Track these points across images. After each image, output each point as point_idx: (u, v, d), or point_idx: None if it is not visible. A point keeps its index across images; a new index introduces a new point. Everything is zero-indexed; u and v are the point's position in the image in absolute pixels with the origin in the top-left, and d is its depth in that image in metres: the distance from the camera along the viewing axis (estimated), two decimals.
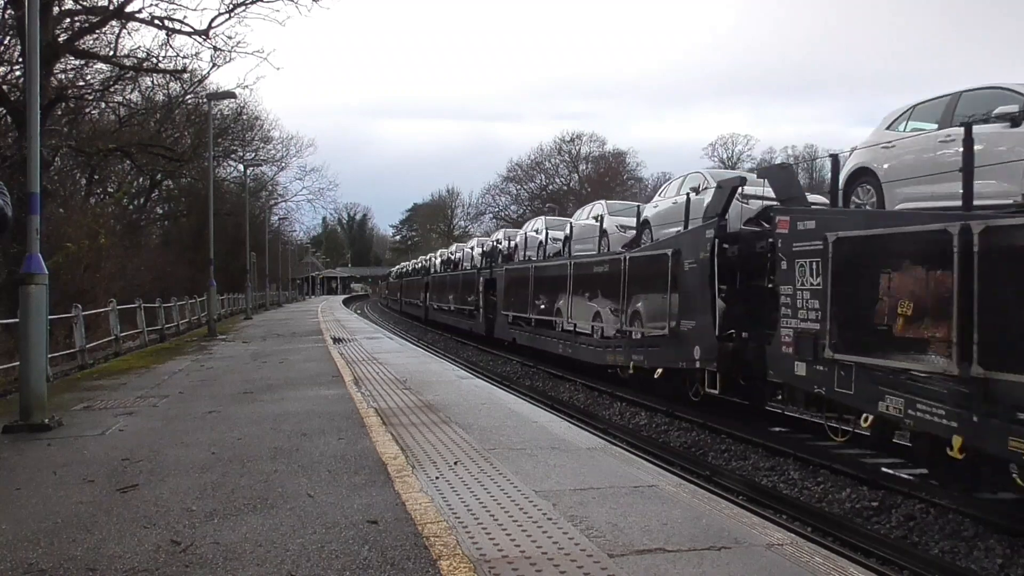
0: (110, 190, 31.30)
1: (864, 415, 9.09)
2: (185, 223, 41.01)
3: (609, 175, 74.20)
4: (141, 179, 34.99)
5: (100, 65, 24.13)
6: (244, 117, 42.62)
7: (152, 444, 6.56)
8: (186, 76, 26.52)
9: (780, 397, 11.92)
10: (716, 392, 12.54)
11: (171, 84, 28.93)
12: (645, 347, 14.59)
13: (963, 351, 7.33)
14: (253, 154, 46.19)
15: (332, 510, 4.47)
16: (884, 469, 9.33)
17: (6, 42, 20.82)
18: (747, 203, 12.65)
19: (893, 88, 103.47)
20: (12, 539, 4.07)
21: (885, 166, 9.71)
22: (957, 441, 7.45)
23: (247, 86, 54.44)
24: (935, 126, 9.24)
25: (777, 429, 11.73)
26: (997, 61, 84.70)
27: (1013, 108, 8.03)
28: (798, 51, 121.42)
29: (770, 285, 10.94)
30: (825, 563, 3.70)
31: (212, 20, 22.70)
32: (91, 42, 22.95)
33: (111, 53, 23.35)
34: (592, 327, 17.28)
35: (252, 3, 22.57)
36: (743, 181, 12.62)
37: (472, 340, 29.37)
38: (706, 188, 14.00)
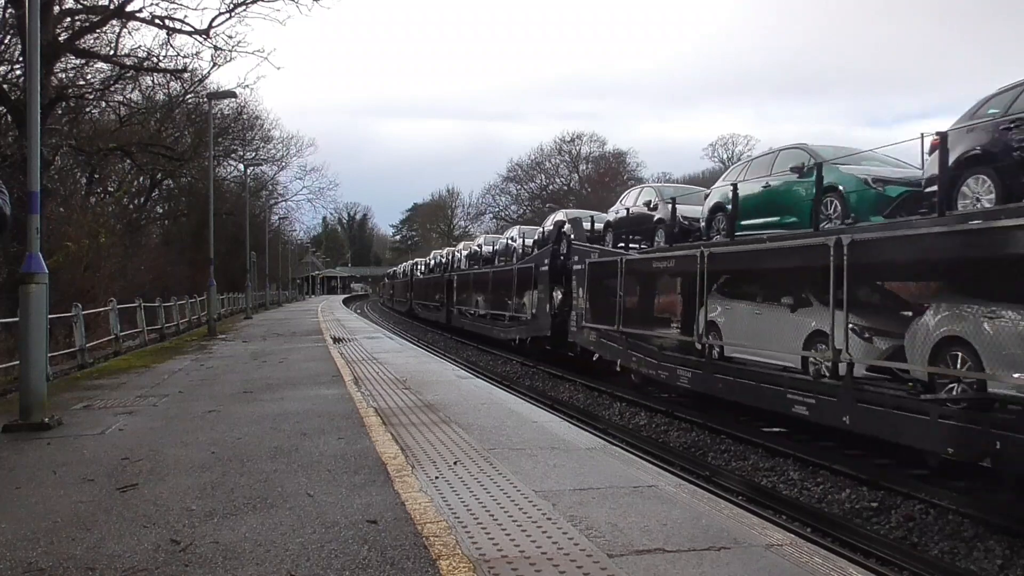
0: (110, 189, 31.23)
1: (595, 354, 17.73)
2: (185, 223, 40.94)
3: (609, 175, 74.02)
4: (141, 178, 34.92)
5: (100, 64, 24.09)
6: (244, 116, 42.62)
7: (152, 443, 6.56)
8: (186, 75, 26.49)
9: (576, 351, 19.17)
10: (549, 348, 21.37)
11: (171, 83, 28.88)
12: (524, 325, 23.87)
13: (623, 320, 15.75)
14: (253, 154, 46.27)
15: (331, 510, 4.47)
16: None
17: (6, 41, 20.82)
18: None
19: (895, 88, 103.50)
20: (12, 538, 4.06)
21: None
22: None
23: (247, 85, 54.41)
24: None
25: (776, 430, 11.73)
26: (999, 61, 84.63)
27: None
28: (801, 50, 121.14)
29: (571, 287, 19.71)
30: (824, 563, 3.69)
31: (213, 20, 22.73)
32: (91, 41, 22.91)
33: (111, 52, 23.31)
34: (505, 315, 26.11)
35: (252, 3, 22.53)
36: (563, 224, 21.95)
37: (440, 329, 37.90)
38: (563, 221, 22.46)
